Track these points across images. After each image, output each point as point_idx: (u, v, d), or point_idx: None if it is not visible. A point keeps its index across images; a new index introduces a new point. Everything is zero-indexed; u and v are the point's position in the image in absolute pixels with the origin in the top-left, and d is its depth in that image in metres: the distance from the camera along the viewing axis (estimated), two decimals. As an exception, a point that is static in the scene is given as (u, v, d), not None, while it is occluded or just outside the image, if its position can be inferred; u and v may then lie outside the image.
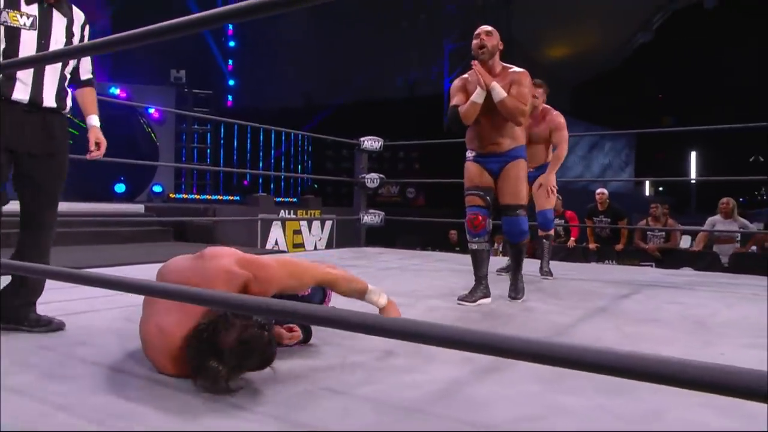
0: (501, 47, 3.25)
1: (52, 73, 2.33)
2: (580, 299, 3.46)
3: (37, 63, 1.86)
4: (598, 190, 7.47)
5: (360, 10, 15.59)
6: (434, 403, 1.65)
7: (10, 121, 2.23)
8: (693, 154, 17.45)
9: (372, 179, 6.13)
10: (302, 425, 1.48)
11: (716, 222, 7.04)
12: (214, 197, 14.76)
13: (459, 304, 3.14)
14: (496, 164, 3.32)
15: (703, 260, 6.71)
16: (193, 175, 15.05)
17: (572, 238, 7.35)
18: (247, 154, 16.79)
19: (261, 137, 16.57)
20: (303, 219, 8.77)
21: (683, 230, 7.35)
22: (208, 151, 15.48)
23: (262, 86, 16.15)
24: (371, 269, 4.69)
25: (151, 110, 13.12)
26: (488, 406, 1.62)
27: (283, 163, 17.01)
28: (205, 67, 15.60)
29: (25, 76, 2.24)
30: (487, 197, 3.31)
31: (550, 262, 4.49)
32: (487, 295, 3.25)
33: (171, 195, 14.10)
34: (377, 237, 6.87)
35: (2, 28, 2.20)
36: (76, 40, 2.42)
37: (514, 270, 3.41)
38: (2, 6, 2.23)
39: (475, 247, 3.31)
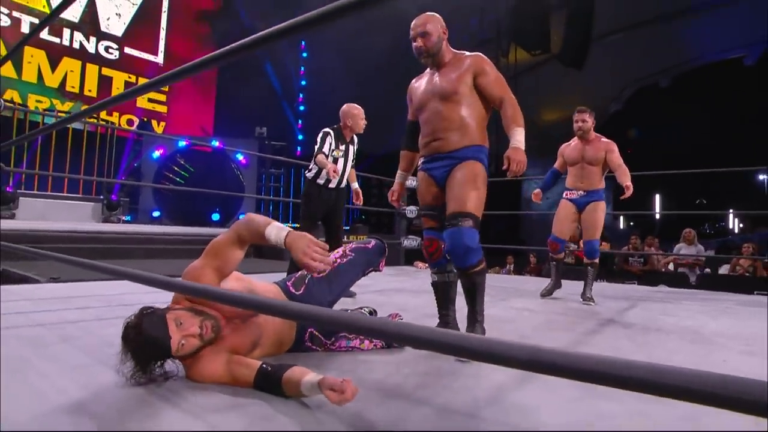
0: (444, 34, 2.09)
1: (347, 173, 3.62)
2: (589, 311, 3.17)
3: (116, 102, 1.79)
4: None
5: (400, 76, 15.60)
6: (484, 408, 1.42)
7: (327, 197, 3.55)
8: (657, 196, 16.87)
9: (411, 210, 5.93)
10: (367, 425, 1.27)
11: (681, 248, 6.76)
12: (284, 224, 14.78)
13: None
14: (440, 170, 2.07)
15: (676, 279, 6.32)
16: (270, 206, 15.11)
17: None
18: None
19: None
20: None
21: (657, 254, 6.95)
22: (281, 188, 15.53)
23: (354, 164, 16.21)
24: (409, 284, 4.46)
25: (240, 157, 13.22)
26: (535, 411, 1.38)
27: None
28: (281, 125, 15.70)
29: (336, 177, 3.49)
30: (442, 216, 2.05)
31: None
32: None
33: (253, 222, 14.16)
34: (413, 258, 6.63)
35: (332, 158, 3.53)
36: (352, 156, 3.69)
37: (470, 313, 2.00)
38: (334, 146, 3.53)
39: (434, 278, 2.16)
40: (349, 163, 3.70)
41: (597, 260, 3.59)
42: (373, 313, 2.24)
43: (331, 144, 3.57)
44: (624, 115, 17.28)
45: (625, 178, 3.44)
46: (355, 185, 3.84)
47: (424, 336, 0.66)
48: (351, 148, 3.70)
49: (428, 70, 2.20)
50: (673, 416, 1.35)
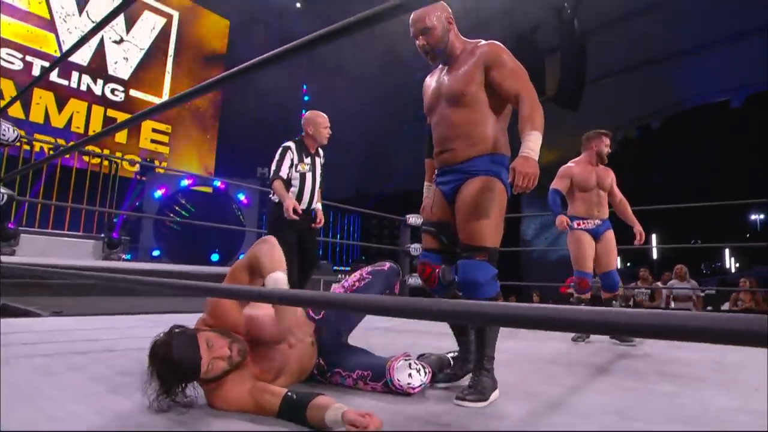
0: (450, 24, 1.74)
1: (317, 193, 3.24)
2: (603, 342, 3.09)
3: (118, 129, 1.82)
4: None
5: (399, 120, 15.87)
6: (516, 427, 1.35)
7: (297, 221, 3.06)
8: (653, 236, 16.95)
9: (415, 248, 5.88)
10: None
11: (674, 284, 6.76)
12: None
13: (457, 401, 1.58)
14: (450, 184, 1.77)
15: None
16: (270, 246, 15.04)
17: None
18: (311, 232, 16.70)
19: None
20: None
21: (659, 288, 6.88)
22: (282, 228, 15.52)
23: (323, 181, 16.26)
24: (411, 323, 4.37)
25: (242, 197, 13.27)
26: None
27: (338, 240, 16.75)
28: (283, 166, 15.91)
29: (306, 197, 3.17)
30: (442, 236, 1.80)
31: None
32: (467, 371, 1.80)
33: (252, 262, 14.02)
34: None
35: (299, 174, 3.12)
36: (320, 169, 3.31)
37: (477, 354, 1.68)
38: (296, 161, 3.12)
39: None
40: (318, 179, 3.22)
41: (619, 291, 3.38)
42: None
43: (292, 159, 3.08)
44: (617, 154, 17.72)
45: (630, 215, 3.36)
46: (318, 205, 3.28)
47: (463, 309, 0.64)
48: (318, 160, 3.24)
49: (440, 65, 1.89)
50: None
